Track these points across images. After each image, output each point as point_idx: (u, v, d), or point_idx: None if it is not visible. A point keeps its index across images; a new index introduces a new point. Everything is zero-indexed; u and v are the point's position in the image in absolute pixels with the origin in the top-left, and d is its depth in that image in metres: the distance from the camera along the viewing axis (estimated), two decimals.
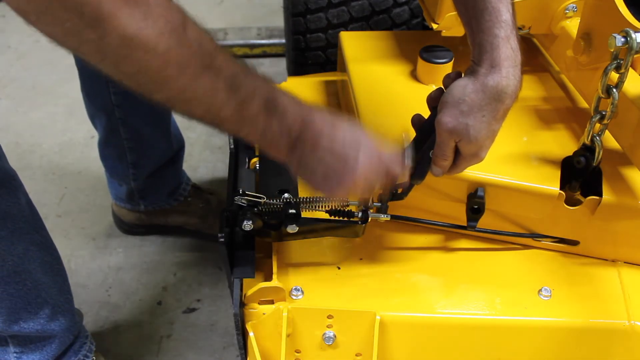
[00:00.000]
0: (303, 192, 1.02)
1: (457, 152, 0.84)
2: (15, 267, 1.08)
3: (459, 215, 0.99)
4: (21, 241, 1.09)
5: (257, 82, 0.71)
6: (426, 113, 0.88)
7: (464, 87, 0.80)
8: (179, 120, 1.63)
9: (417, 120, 0.89)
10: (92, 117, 1.54)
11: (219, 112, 0.68)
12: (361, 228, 0.95)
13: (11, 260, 1.07)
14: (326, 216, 0.93)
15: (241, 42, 2.45)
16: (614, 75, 0.86)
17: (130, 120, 1.48)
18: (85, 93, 1.49)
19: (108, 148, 1.57)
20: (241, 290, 0.89)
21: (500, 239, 1.04)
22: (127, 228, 1.72)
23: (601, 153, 0.91)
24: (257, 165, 1.10)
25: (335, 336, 0.91)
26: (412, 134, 0.88)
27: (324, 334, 0.91)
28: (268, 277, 0.94)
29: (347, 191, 0.79)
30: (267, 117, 0.72)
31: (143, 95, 0.66)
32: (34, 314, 1.14)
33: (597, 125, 0.90)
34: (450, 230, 1.03)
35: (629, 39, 0.81)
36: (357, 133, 0.78)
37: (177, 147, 1.61)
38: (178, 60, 0.62)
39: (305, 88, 1.37)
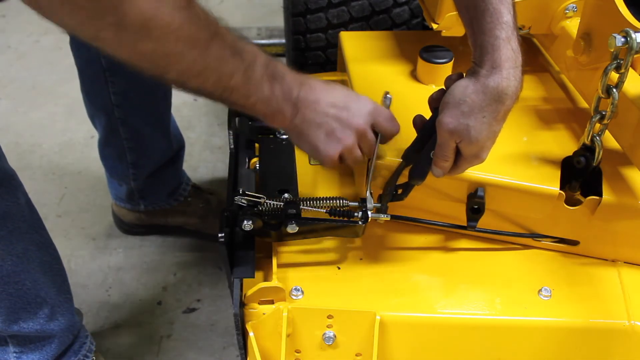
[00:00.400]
0: (303, 192, 1.02)
1: (458, 153, 0.85)
2: (15, 267, 1.08)
3: (459, 215, 0.99)
4: (20, 241, 1.09)
5: (254, 48, 0.75)
6: (426, 113, 0.88)
7: (465, 87, 0.80)
8: (179, 120, 1.63)
9: (418, 121, 0.89)
10: (92, 117, 1.54)
11: (229, 81, 0.72)
12: (361, 228, 0.95)
13: (10, 260, 1.07)
14: (326, 216, 0.93)
15: None
16: (614, 75, 0.86)
17: (130, 120, 1.48)
18: (85, 93, 1.49)
19: (108, 148, 1.57)
20: (241, 290, 0.89)
21: (500, 239, 1.04)
22: (127, 228, 1.72)
23: (601, 153, 0.91)
24: (257, 165, 1.10)
25: (335, 336, 0.91)
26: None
27: (324, 334, 0.91)
28: (268, 277, 0.95)
29: (351, 143, 0.83)
30: (270, 82, 0.76)
31: (156, 75, 0.70)
32: (33, 313, 1.14)
33: (597, 125, 0.90)
34: (450, 230, 1.03)
35: (629, 39, 0.81)
36: (348, 90, 0.86)
37: (177, 147, 1.61)
38: (190, 33, 0.66)
39: None
